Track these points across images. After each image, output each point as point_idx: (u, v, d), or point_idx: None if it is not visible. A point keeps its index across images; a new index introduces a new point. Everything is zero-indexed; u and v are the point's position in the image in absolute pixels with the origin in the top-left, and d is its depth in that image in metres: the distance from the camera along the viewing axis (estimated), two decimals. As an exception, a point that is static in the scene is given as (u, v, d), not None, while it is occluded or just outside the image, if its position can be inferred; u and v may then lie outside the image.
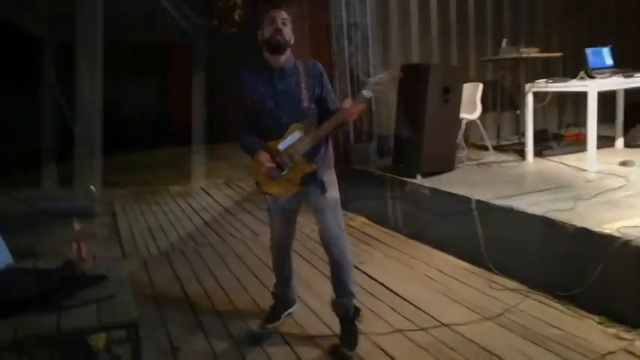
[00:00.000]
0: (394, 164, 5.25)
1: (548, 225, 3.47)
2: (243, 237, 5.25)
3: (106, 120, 13.05)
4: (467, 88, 5.68)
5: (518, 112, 6.37)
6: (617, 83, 4.73)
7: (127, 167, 9.84)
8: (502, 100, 6.66)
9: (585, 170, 4.69)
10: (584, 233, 3.24)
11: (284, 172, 2.83)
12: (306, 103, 2.77)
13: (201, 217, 6.16)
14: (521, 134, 5.91)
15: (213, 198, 7.04)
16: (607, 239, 3.09)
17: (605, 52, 5.17)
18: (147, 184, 8.04)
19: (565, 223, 3.36)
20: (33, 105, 10.81)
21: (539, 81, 5.05)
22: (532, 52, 5.60)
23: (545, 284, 3.45)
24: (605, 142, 5.51)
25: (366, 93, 2.68)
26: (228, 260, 4.61)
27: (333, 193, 2.98)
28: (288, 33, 2.74)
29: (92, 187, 6.74)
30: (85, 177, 7.07)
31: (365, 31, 5.82)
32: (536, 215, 3.58)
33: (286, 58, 2.79)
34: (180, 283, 4.16)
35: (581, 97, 6.21)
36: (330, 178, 2.99)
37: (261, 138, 2.84)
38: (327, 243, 2.99)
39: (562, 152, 5.54)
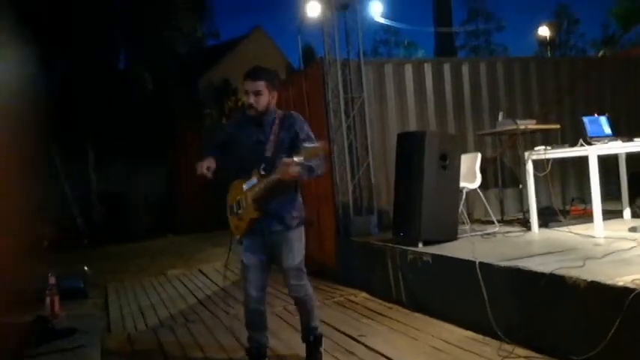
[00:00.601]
0: (394, 234, 5.08)
1: (557, 283, 3.24)
2: (237, 313, 4.97)
3: (111, 208, 13.26)
4: (466, 158, 5.64)
5: (520, 186, 6.28)
6: (617, 147, 4.67)
7: (127, 254, 9.68)
8: (503, 177, 6.61)
9: (593, 237, 4.49)
10: (597, 288, 3.00)
11: (240, 210, 3.18)
12: (268, 154, 3.08)
13: (195, 295, 5.91)
14: (526, 210, 5.78)
15: (210, 279, 6.81)
16: (621, 292, 2.84)
17: (603, 120, 5.17)
18: (144, 270, 7.84)
19: (576, 279, 3.13)
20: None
21: (538, 148, 5.01)
22: (529, 124, 5.62)
23: (559, 349, 3.15)
24: (613, 215, 5.36)
25: (297, 158, 2.83)
26: (218, 335, 4.32)
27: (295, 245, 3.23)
28: (262, 102, 3.07)
29: (86, 269, 6.57)
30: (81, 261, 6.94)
31: (362, 106, 5.92)
32: (543, 274, 3.35)
33: (266, 114, 3.13)
34: (163, 356, 3.86)
35: (584, 171, 6.20)
36: (294, 234, 3.22)
37: (237, 169, 3.23)
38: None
39: (568, 224, 5.36)
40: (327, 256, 6.23)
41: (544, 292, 3.32)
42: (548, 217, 5.66)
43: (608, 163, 5.80)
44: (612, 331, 2.81)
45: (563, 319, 3.19)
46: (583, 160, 5.53)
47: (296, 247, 3.21)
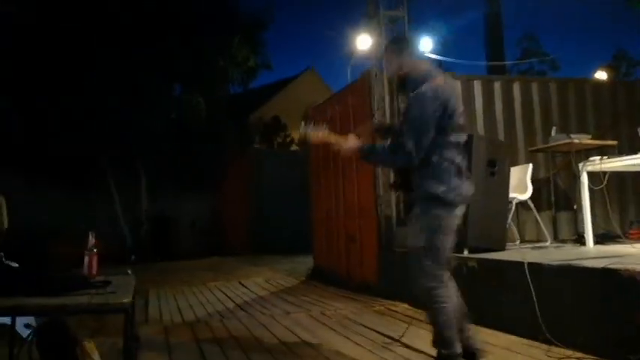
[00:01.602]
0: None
1: (610, 278, 3.01)
2: (272, 314, 4.88)
3: (159, 230, 13.58)
4: (516, 170, 5.47)
5: (575, 206, 5.98)
6: (680, 156, 4.40)
7: (170, 269, 9.82)
8: (557, 198, 6.32)
9: (655, 250, 4.19)
10: (658, 279, 2.77)
11: None
12: None
13: (233, 300, 5.86)
14: (580, 233, 5.49)
15: (248, 289, 6.75)
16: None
17: (663, 134, 4.91)
18: (186, 282, 7.88)
19: (632, 271, 2.90)
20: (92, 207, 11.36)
21: (593, 158, 4.79)
22: (584, 139, 5.40)
23: (612, 350, 2.89)
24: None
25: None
26: (253, 329, 4.24)
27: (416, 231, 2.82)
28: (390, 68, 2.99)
29: (129, 272, 6.65)
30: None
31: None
32: (596, 269, 3.14)
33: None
34: (197, 344, 3.81)
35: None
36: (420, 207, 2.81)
37: None
38: None
39: (625, 244, 5.05)
40: (368, 271, 6.08)
41: (597, 289, 3.10)
42: (605, 239, 5.36)
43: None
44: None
45: (618, 317, 2.94)
46: (643, 180, 5.25)
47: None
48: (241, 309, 5.26)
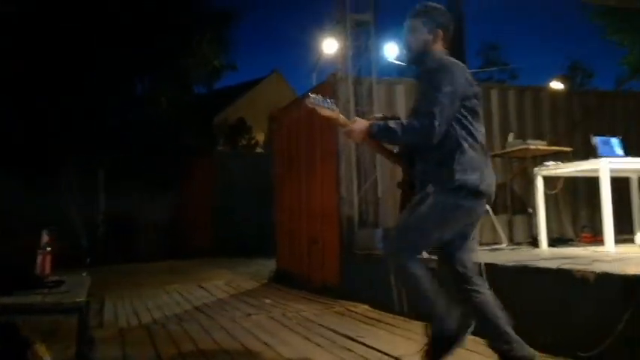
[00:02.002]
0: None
1: (564, 278, 3.12)
2: (233, 316, 4.83)
3: (117, 230, 13.25)
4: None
5: (530, 210, 6.17)
6: (630, 162, 4.59)
7: (128, 272, 9.59)
8: (513, 203, 6.50)
9: (603, 251, 4.36)
10: (605, 279, 2.88)
11: None
12: None
13: (192, 303, 5.77)
14: (535, 236, 5.66)
15: (208, 291, 6.67)
16: (631, 280, 2.72)
17: (615, 142, 5.09)
18: (144, 284, 7.71)
19: (584, 271, 3.01)
20: (44, 205, 10.96)
21: (548, 163, 4.95)
22: (540, 145, 5.58)
23: (563, 347, 2.99)
24: (625, 242, 5.21)
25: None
26: (212, 332, 4.18)
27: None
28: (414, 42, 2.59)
29: (84, 274, 6.47)
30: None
31: (372, 120, 5.94)
32: (550, 269, 3.24)
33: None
34: (153, 346, 3.73)
35: (595, 198, 6.09)
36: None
37: None
38: None
39: (577, 246, 5.23)
40: (330, 273, 6.10)
41: (550, 288, 3.20)
42: (558, 242, 5.55)
43: (620, 191, 5.71)
44: (622, 325, 2.67)
45: (570, 315, 3.05)
46: (594, 186, 5.45)
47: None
48: (201, 312, 5.19)
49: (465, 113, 2.41)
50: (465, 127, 2.41)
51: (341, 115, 2.61)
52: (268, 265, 8.14)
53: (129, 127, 12.55)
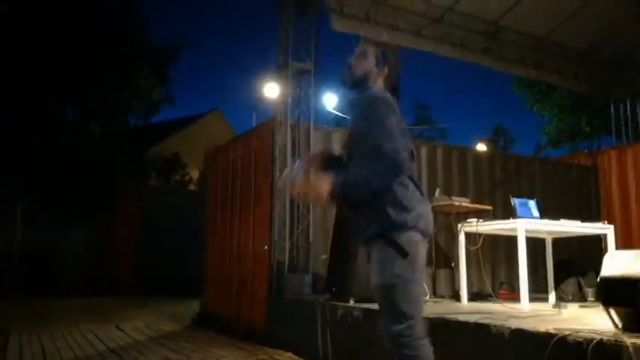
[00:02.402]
0: (327, 291, 5.00)
1: (482, 331, 3.24)
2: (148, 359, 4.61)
3: (36, 264, 12.39)
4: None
5: (453, 264, 6.40)
6: (545, 224, 4.91)
7: (42, 307, 8.96)
8: (437, 257, 6.72)
9: (519, 308, 4.58)
10: (519, 335, 3.02)
11: None
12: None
13: (105, 344, 5.45)
14: (457, 290, 5.87)
15: (125, 333, 6.34)
16: (543, 337, 2.88)
17: (532, 204, 5.44)
18: (57, 321, 7.22)
19: (500, 327, 3.15)
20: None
21: (470, 220, 5.20)
22: (464, 202, 5.87)
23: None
24: (539, 300, 5.50)
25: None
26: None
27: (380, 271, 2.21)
28: (361, 66, 2.43)
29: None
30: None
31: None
32: (469, 323, 3.36)
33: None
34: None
35: (513, 256, 6.43)
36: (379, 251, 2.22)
37: None
38: None
39: (496, 302, 5.46)
40: (257, 317, 5.99)
41: (468, 342, 3.31)
42: (478, 297, 5.78)
43: (536, 251, 6.07)
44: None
45: (487, 368, 3.16)
46: (512, 245, 5.76)
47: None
48: (115, 353, 4.91)
49: None
50: None
51: (307, 183, 2.29)
52: (192, 307, 7.88)
53: (55, 153, 11.99)
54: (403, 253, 2.16)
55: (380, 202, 2.20)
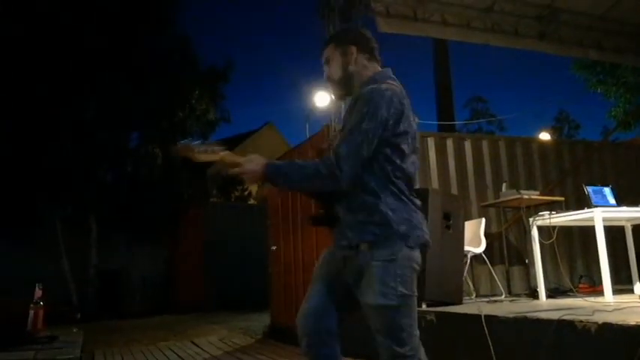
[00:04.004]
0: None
1: (566, 329, 3.08)
2: (228, 373, 4.69)
3: (109, 285, 13.00)
4: (470, 224, 5.60)
5: (527, 261, 6.16)
6: (623, 211, 4.63)
7: (120, 328, 9.35)
8: (509, 254, 6.48)
9: (603, 302, 4.33)
10: (608, 330, 2.85)
11: None
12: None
13: (184, 360, 5.60)
14: (533, 287, 5.64)
15: (201, 348, 6.49)
16: (634, 331, 2.69)
17: (607, 191, 5.15)
18: (136, 340, 7.51)
19: (586, 322, 2.98)
20: (33, 259, 10.79)
21: (542, 213, 4.98)
22: (533, 194, 5.64)
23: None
24: (623, 292, 5.18)
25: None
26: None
27: (375, 290, 1.99)
28: (333, 70, 2.22)
29: (75, 330, 6.30)
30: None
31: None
32: (552, 320, 3.19)
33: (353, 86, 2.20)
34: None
35: (591, 247, 6.11)
36: (380, 267, 2.00)
37: None
38: None
39: (576, 297, 5.19)
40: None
41: (553, 340, 3.15)
42: (556, 293, 5.52)
43: (614, 240, 5.73)
44: (628, 376, 2.62)
45: (575, 367, 2.99)
46: (589, 235, 5.47)
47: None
48: (194, 369, 5.03)
49: (384, 149, 2.00)
50: (388, 171, 2.02)
51: (229, 154, 2.15)
52: (261, 320, 7.97)
53: (122, 180, 12.55)
54: (410, 270, 1.99)
55: (369, 209, 2.00)
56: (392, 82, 2.12)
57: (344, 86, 2.22)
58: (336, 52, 2.20)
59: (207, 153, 2.14)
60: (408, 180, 2.08)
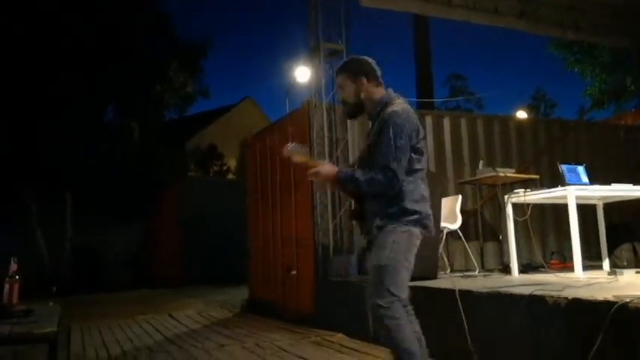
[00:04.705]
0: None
1: (537, 304, 3.16)
2: (205, 347, 4.73)
3: (85, 259, 12.90)
4: (447, 201, 5.68)
5: (500, 237, 6.29)
6: (596, 189, 4.75)
7: (96, 302, 9.32)
8: (484, 230, 6.60)
9: (573, 277, 4.46)
10: (577, 305, 2.94)
11: None
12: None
13: (162, 334, 5.63)
14: (506, 262, 5.77)
15: (179, 321, 6.52)
16: (602, 306, 2.79)
17: (580, 169, 5.25)
18: (112, 314, 7.49)
19: (556, 298, 3.07)
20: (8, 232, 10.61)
21: (517, 191, 5.07)
22: (509, 172, 5.73)
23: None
24: (593, 268, 5.34)
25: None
26: (184, 363, 4.08)
27: (377, 255, 2.55)
28: (347, 94, 2.73)
29: (51, 304, 6.25)
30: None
31: (346, 147, 6.01)
32: (523, 295, 3.28)
33: (368, 108, 2.72)
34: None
35: (563, 225, 6.25)
36: (380, 237, 2.56)
37: None
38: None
39: (547, 273, 5.33)
40: (305, 301, 6.05)
41: (524, 314, 3.24)
42: (528, 269, 5.66)
43: (586, 218, 5.88)
44: (595, 348, 2.72)
45: (545, 341, 3.09)
46: (562, 212, 5.59)
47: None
48: (172, 343, 5.06)
49: (411, 154, 2.58)
50: (410, 166, 2.57)
51: (310, 159, 2.77)
52: (240, 294, 8.03)
53: (98, 154, 12.34)
54: (396, 245, 2.50)
55: (390, 198, 2.54)
56: (399, 100, 2.66)
57: (357, 109, 2.75)
58: (348, 81, 2.71)
59: (301, 155, 2.68)
60: (423, 172, 2.65)
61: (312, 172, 2.61)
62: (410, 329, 2.54)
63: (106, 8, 11.23)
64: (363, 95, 2.68)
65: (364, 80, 2.68)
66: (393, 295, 2.47)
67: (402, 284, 2.54)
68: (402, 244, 2.52)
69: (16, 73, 10.49)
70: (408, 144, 2.53)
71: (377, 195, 2.58)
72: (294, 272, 6.40)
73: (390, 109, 2.57)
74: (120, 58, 11.27)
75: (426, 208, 2.63)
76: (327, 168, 2.65)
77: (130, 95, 12.07)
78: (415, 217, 2.55)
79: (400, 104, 2.62)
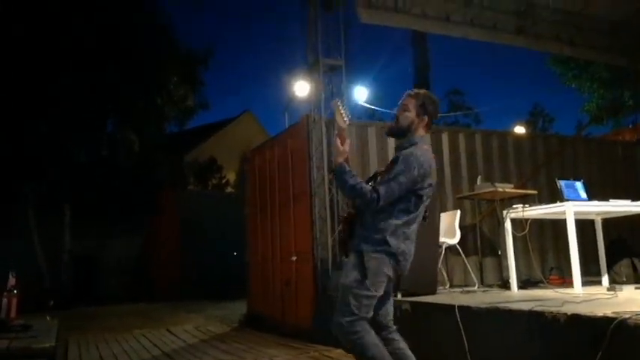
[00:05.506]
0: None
1: (536, 319, 3.17)
2: (204, 362, 4.70)
3: (83, 271, 12.82)
4: (445, 216, 5.69)
5: (499, 252, 6.29)
6: (594, 205, 4.76)
7: (94, 315, 9.26)
8: (482, 245, 6.60)
9: (572, 293, 4.45)
10: (576, 321, 2.94)
11: None
12: None
13: (160, 349, 5.59)
14: (505, 278, 5.77)
15: (177, 336, 6.48)
16: (602, 322, 2.79)
17: (578, 185, 5.27)
18: (110, 328, 7.45)
19: (555, 313, 3.07)
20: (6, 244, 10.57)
21: (516, 206, 5.08)
22: (507, 187, 5.74)
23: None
24: (592, 283, 5.33)
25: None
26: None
27: (347, 274, 2.67)
28: (402, 119, 2.80)
29: (48, 318, 6.22)
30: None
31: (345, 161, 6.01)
32: (522, 311, 3.28)
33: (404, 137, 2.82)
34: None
35: (562, 240, 6.25)
36: (352, 258, 2.69)
37: None
38: None
39: (547, 288, 5.32)
40: (303, 316, 6.02)
41: (523, 330, 3.23)
42: (528, 284, 5.65)
43: (584, 233, 5.88)
44: (594, 365, 2.71)
45: (545, 356, 3.08)
46: (561, 228, 5.59)
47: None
48: (169, 357, 5.03)
49: (410, 196, 2.68)
50: (406, 206, 2.69)
51: (345, 132, 2.76)
52: (237, 308, 7.99)
53: (97, 164, 12.34)
54: (367, 270, 2.59)
55: (377, 229, 2.66)
56: (425, 147, 2.78)
57: (400, 133, 2.84)
58: (414, 109, 2.79)
59: (342, 115, 2.69)
60: (418, 217, 2.77)
61: (335, 139, 2.72)
62: (372, 338, 2.60)
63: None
64: (413, 127, 2.79)
65: (425, 119, 2.80)
66: (355, 314, 2.57)
67: (367, 306, 2.61)
68: (370, 269, 2.60)
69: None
70: (408, 185, 2.64)
71: (366, 219, 2.69)
72: (289, 285, 6.39)
73: (412, 149, 2.71)
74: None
75: (406, 246, 2.71)
76: (341, 150, 2.69)
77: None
78: (391, 250, 2.64)
79: (423, 149, 2.73)
